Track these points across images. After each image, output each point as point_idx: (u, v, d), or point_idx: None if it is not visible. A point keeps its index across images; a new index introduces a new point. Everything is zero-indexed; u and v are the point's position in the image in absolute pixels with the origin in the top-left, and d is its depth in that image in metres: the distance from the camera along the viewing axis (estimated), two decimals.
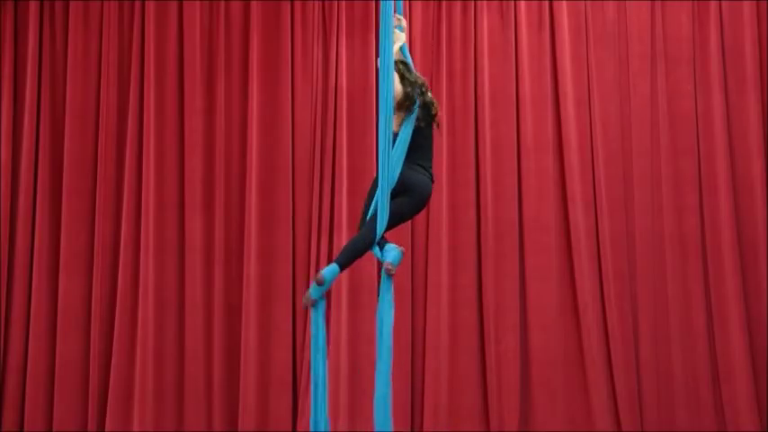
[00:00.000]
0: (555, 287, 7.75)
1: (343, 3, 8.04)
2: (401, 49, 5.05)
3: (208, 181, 7.99)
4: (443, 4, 8.04)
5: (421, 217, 7.87)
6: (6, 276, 7.94)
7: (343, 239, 7.75)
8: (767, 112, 7.85)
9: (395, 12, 4.94)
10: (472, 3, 8.01)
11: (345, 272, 7.63)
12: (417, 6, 8.00)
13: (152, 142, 7.97)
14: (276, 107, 8.00)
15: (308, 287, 7.72)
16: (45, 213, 7.99)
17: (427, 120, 5.00)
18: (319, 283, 4.86)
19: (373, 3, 8.02)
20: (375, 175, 4.95)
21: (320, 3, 8.07)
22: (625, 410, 7.55)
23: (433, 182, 5.00)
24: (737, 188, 7.79)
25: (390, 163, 4.78)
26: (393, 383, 7.54)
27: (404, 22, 5.09)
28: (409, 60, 5.07)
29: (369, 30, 7.99)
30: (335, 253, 7.78)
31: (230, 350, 7.83)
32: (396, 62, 4.96)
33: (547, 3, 8.00)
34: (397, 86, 4.90)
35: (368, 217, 4.94)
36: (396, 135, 4.87)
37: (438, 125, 5.06)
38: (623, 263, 7.78)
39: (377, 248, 4.91)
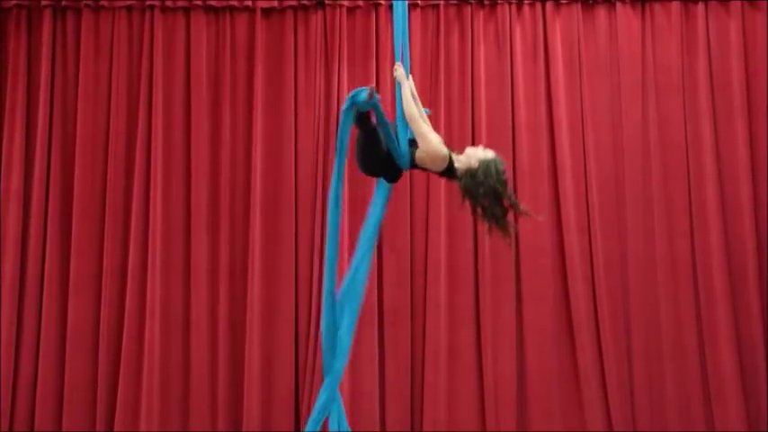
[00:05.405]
0: (550, 308, 7.88)
1: (345, 32, 8.19)
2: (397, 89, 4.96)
3: (213, 205, 8.08)
4: (441, 33, 8.21)
5: (420, 240, 8.02)
6: (18, 299, 8.00)
7: (344, 262, 7.78)
8: (755, 140, 8.01)
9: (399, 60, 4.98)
10: (469, 33, 8.19)
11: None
12: (416, 36, 8.11)
13: (159, 169, 8.07)
14: (279, 133, 8.13)
15: (309, 306, 7.87)
16: (55, 238, 8.06)
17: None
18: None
19: (374, 33, 8.22)
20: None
21: (322, 32, 8.22)
22: (619, 428, 7.64)
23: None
24: (727, 213, 7.91)
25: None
26: (392, 402, 7.79)
27: (401, 69, 4.99)
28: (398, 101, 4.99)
29: (369, 58, 8.13)
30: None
31: (234, 368, 7.90)
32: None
33: (541, 34, 8.19)
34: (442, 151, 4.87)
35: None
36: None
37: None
38: (617, 285, 7.90)
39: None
